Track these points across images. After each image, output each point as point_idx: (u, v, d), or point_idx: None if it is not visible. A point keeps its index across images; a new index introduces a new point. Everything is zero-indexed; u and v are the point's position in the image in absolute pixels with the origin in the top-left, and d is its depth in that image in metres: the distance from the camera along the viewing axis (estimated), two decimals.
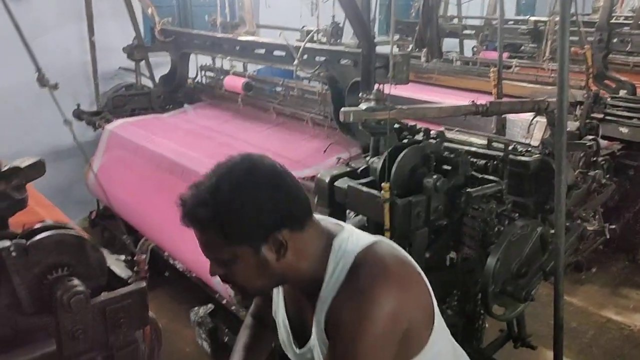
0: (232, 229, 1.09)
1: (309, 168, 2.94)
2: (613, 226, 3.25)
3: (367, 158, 2.33)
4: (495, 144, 2.42)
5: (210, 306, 3.12)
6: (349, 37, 3.07)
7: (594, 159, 2.94)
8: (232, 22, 4.29)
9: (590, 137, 2.90)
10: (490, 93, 3.32)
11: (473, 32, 5.75)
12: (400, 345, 1.19)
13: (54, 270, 1.30)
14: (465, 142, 2.50)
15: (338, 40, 3.33)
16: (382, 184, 1.98)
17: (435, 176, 2.04)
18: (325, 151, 3.09)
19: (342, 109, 2.18)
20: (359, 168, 2.33)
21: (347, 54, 2.93)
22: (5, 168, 1.40)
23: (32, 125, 4.17)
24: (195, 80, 4.53)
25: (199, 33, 4.25)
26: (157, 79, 4.50)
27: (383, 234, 2.11)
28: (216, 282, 2.76)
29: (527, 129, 2.74)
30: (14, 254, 1.24)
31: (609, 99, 3.60)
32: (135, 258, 1.50)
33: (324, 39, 3.30)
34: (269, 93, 4.03)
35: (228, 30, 4.12)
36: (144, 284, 1.43)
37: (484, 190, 2.17)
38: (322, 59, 3.07)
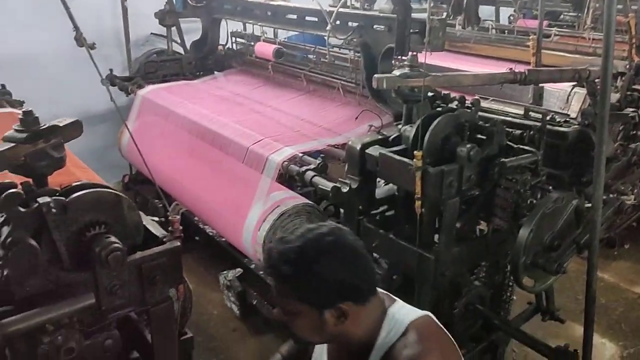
0: (305, 290, 1.21)
1: (340, 136, 2.93)
2: None
3: (399, 126, 2.30)
4: (532, 114, 2.36)
5: (239, 270, 3.18)
6: (382, 2, 3.00)
7: (634, 132, 2.84)
8: None
9: (631, 109, 2.80)
10: (526, 63, 3.21)
11: None
12: None
13: (92, 228, 1.33)
14: (500, 111, 2.45)
15: (371, 6, 3.27)
16: (415, 152, 1.95)
17: (468, 145, 2.00)
18: (356, 118, 3.06)
19: (376, 75, 2.14)
20: (390, 136, 2.30)
21: (381, 19, 2.87)
22: (44, 127, 1.43)
23: (66, 90, 4.24)
24: (226, 47, 4.52)
25: None
26: (188, 45, 4.51)
27: (413, 203, 2.10)
28: (246, 247, 2.80)
29: (565, 100, 2.66)
30: (54, 210, 1.26)
31: None
32: (169, 218, 1.53)
33: (358, 4, 3.24)
34: (300, 60, 3.99)
35: None
36: (178, 243, 1.45)
37: (518, 160, 2.13)
38: (356, 24, 3.01)
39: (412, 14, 2.63)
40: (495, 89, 2.56)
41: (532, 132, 2.30)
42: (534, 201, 2.15)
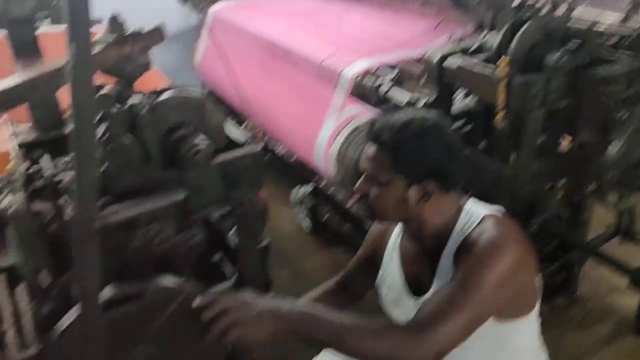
0: (402, 159, 1.28)
1: (416, 49, 2.82)
2: None
3: (481, 35, 2.18)
4: (630, 22, 2.16)
5: (311, 186, 3.24)
6: None
7: None
8: None
9: None
10: None
11: None
12: (511, 298, 1.28)
13: (178, 129, 1.38)
14: (593, 19, 2.25)
15: None
16: (500, 59, 1.86)
17: (558, 53, 1.88)
18: (435, 28, 2.92)
19: None
20: (470, 46, 2.19)
21: None
22: (129, 32, 1.46)
23: (139, 9, 4.30)
24: None
25: None
26: None
27: (493, 117, 2.02)
28: (318, 162, 2.83)
29: None
30: (144, 110, 1.31)
31: None
32: (250, 124, 1.55)
33: None
34: None
35: None
36: (260, 146, 1.48)
37: (611, 71, 1.98)
38: None
39: None
40: None
41: (627, 42, 2.12)
42: (627, 115, 2.01)
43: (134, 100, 1.32)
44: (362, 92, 2.69)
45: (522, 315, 1.39)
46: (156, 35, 1.53)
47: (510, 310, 1.35)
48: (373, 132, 1.34)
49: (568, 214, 2.42)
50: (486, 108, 2.16)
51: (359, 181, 1.37)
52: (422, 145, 1.28)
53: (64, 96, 1.12)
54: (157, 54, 1.56)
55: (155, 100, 1.35)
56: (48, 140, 1.57)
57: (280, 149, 3.66)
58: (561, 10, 2.05)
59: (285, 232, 3.45)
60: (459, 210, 1.37)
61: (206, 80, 4.15)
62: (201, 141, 1.36)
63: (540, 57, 1.92)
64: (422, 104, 2.24)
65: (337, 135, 2.66)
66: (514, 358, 1.43)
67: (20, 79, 1.40)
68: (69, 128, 1.59)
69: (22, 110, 1.56)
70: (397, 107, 1.33)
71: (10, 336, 1.40)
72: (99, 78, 1.38)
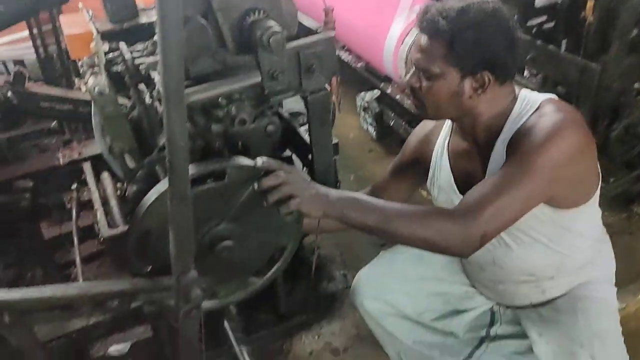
0: (457, 48, 1.21)
1: None
2: None
3: None
4: None
5: (377, 92, 3.17)
6: None
7: None
8: None
9: None
10: None
11: None
12: (569, 184, 1.25)
13: (252, 14, 1.34)
14: None
15: None
16: None
17: None
18: None
19: None
20: None
21: None
22: None
23: None
24: None
25: None
26: None
27: (579, 11, 1.87)
28: (387, 64, 2.74)
29: None
30: None
31: None
32: (324, 9, 1.50)
33: None
34: None
35: None
36: (333, 33, 1.43)
37: None
38: None
39: None
40: None
41: None
42: None
43: None
44: None
45: (581, 204, 1.34)
46: None
47: (568, 198, 1.30)
48: (425, 21, 1.25)
49: None
50: (574, 2, 1.99)
51: (409, 74, 1.30)
52: (479, 34, 1.21)
53: None
54: None
55: None
56: (123, 30, 1.59)
57: (345, 56, 3.57)
58: None
59: (350, 139, 3.44)
60: (514, 99, 1.31)
61: None
62: (275, 26, 1.33)
63: None
64: None
65: (407, 34, 2.55)
66: (576, 243, 1.40)
67: None
68: (143, 19, 1.60)
69: (97, 2, 1.57)
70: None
71: (100, 217, 1.50)
72: None
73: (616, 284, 1.53)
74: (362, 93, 3.22)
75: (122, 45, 1.44)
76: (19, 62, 2.81)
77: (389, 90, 3.13)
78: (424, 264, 1.65)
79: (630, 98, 2.15)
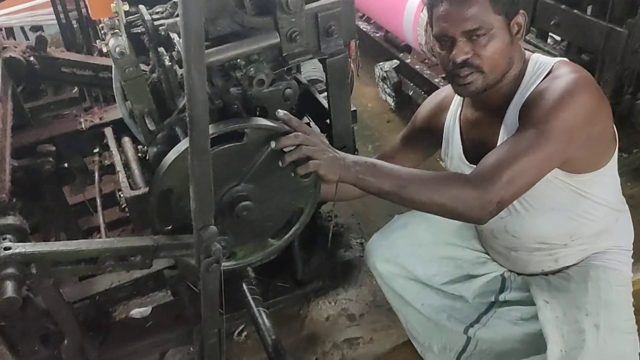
0: None
1: None
2: None
3: None
4: None
5: (395, 61, 3.13)
6: None
7: None
8: None
9: None
10: None
11: None
12: (584, 146, 1.23)
13: None
14: None
15: None
16: None
17: None
18: None
19: None
20: None
21: None
22: None
23: None
24: None
25: None
26: None
27: None
28: (407, 32, 2.71)
29: None
30: None
31: None
32: None
33: None
34: None
35: None
36: None
37: None
38: None
39: None
40: None
41: None
42: None
43: None
44: None
45: (598, 168, 1.33)
46: None
47: (583, 161, 1.30)
48: None
49: None
50: None
51: (457, 47, 1.26)
52: None
53: None
54: None
55: None
56: None
57: (364, 25, 3.53)
58: None
59: (368, 109, 3.42)
60: (525, 62, 1.32)
61: None
62: None
63: None
64: None
65: None
66: (591, 209, 1.39)
67: None
68: None
69: None
70: None
71: (122, 179, 1.53)
72: None
73: (634, 256, 1.51)
74: (381, 63, 3.19)
75: (142, 7, 1.45)
76: (38, 28, 2.83)
77: (408, 60, 3.09)
78: (437, 229, 1.65)
79: None
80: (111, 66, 1.50)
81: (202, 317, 1.25)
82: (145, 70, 1.45)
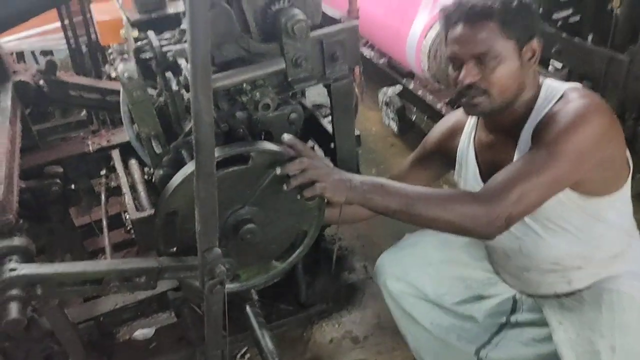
0: (510, 20, 1.24)
1: None
2: None
3: None
4: None
5: (399, 87, 3.17)
6: None
7: None
8: None
9: None
10: None
11: None
12: (596, 170, 1.25)
13: (277, 2, 1.37)
14: None
15: None
16: None
17: None
18: None
19: None
20: None
21: None
22: None
23: None
24: None
25: None
26: None
27: (606, 4, 1.84)
28: (409, 58, 2.74)
29: None
30: None
31: None
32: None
33: None
34: None
35: None
36: (356, 22, 1.44)
37: None
38: None
39: None
40: None
41: None
42: None
43: None
44: None
45: (612, 192, 1.34)
46: None
47: (596, 185, 1.31)
48: (469, 8, 1.26)
49: None
50: None
51: (466, 69, 1.29)
52: (525, 4, 1.26)
53: None
54: None
55: None
56: (151, 19, 1.62)
57: (367, 52, 3.58)
58: None
59: (372, 133, 3.45)
60: (539, 87, 1.34)
61: None
62: (299, 14, 1.35)
63: None
64: None
65: (430, 28, 2.55)
66: (605, 233, 1.39)
67: None
68: (170, 9, 1.64)
69: None
70: None
71: (128, 200, 1.54)
72: None
73: None
74: (385, 88, 3.23)
75: (150, 33, 1.48)
76: (48, 53, 2.89)
77: (411, 86, 3.13)
78: (447, 248, 1.65)
79: None
80: (118, 90, 1.53)
81: (206, 339, 1.25)
82: (152, 94, 1.48)
